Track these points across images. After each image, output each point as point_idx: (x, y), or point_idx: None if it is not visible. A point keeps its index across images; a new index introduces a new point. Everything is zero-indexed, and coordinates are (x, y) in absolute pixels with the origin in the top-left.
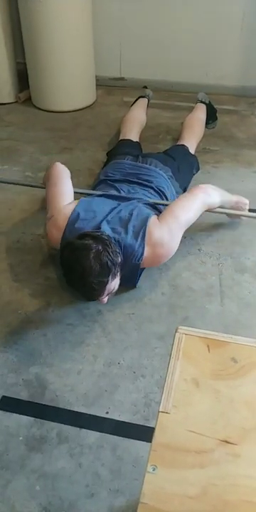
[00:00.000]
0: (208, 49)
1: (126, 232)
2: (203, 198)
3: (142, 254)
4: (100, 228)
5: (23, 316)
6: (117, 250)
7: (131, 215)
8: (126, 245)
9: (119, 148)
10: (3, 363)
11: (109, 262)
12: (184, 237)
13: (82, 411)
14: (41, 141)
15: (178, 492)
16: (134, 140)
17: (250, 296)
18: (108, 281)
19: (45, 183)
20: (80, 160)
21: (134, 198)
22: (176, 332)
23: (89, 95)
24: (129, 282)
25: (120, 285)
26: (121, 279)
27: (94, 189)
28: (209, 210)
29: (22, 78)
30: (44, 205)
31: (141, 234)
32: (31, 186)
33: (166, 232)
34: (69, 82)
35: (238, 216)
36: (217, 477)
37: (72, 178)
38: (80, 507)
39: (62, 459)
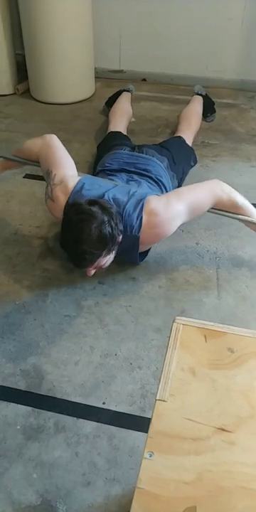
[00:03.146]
0: (207, 42)
1: (127, 204)
2: (213, 184)
3: (140, 225)
4: (104, 197)
5: (20, 307)
6: (121, 229)
7: (134, 191)
8: (126, 216)
9: (113, 140)
10: (1, 353)
11: (108, 236)
12: (181, 230)
13: (79, 401)
14: (39, 132)
15: (174, 478)
16: (124, 133)
17: (247, 290)
18: (101, 254)
19: (28, 151)
20: (78, 152)
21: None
22: (173, 322)
23: (88, 87)
24: (130, 257)
25: (122, 262)
26: (121, 253)
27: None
28: (219, 210)
29: (21, 70)
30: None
31: (140, 205)
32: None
33: (163, 202)
34: (68, 73)
35: (253, 225)
36: (212, 464)
37: None
38: (76, 495)
39: (59, 448)
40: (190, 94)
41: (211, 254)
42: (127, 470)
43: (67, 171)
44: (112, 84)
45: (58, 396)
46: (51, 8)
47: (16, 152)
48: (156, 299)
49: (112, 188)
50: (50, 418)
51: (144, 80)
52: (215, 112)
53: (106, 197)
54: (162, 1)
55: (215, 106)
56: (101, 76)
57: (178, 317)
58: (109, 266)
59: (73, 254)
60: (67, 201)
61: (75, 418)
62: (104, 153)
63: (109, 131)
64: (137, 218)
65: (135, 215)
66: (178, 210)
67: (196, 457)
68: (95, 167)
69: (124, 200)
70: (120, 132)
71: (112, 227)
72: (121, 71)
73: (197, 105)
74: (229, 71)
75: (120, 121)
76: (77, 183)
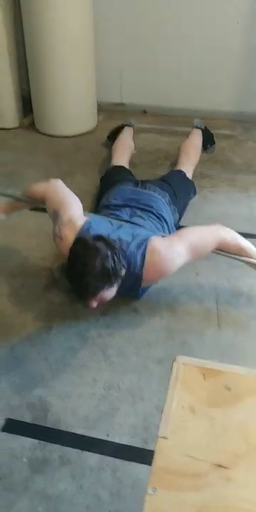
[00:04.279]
0: (205, 75)
1: (131, 243)
2: (215, 228)
3: (143, 263)
4: (108, 236)
5: (25, 340)
6: (124, 264)
7: (138, 232)
8: (130, 255)
9: (116, 175)
10: (8, 386)
11: (111, 270)
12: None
13: (83, 433)
14: (44, 165)
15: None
16: (126, 167)
17: (246, 320)
18: (103, 287)
19: (34, 193)
20: (81, 184)
21: (139, 225)
22: (173, 361)
23: (90, 120)
24: (131, 294)
25: (122, 297)
26: (123, 289)
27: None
28: (223, 251)
29: (26, 104)
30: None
31: (143, 245)
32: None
33: (166, 243)
34: (71, 106)
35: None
36: (211, 499)
37: None
38: None
39: (64, 481)
40: (189, 125)
41: (211, 284)
42: (130, 503)
43: (75, 212)
44: (114, 116)
45: (63, 428)
46: (55, 45)
47: (24, 193)
48: (157, 331)
49: (117, 229)
50: (55, 450)
51: (145, 111)
52: (214, 143)
53: (111, 237)
54: (162, 37)
55: (214, 137)
56: (103, 109)
57: (178, 356)
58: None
59: (77, 286)
60: (74, 241)
61: (79, 450)
62: (108, 187)
63: (112, 165)
64: (140, 257)
65: (139, 253)
66: (179, 251)
67: (196, 493)
68: (99, 200)
69: (128, 240)
70: (123, 167)
71: (115, 261)
72: (122, 104)
73: (196, 139)
74: (226, 103)
75: (122, 155)
76: (85, 223)
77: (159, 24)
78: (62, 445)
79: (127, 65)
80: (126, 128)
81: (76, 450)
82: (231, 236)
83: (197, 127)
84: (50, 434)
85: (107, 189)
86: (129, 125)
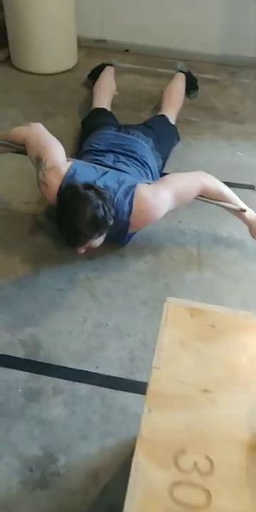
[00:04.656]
0: (190, 15)
1: (118, 191)
2: (198, 174)
3: (130, 211)
4: (95, 183)
5: (14, 281)
6: (113, 213)
7: (123, 178)
8: (117, 203)
9: (98, 118)
10: None
11: (101, 220)
12: None
13: (74, 367)
14: (22, 104)
15: (168, 428)
16: (108, 109)
17: (224, 264)
18: (93, 236)
19: (14, 136)
20: (63, 127)
21: (122, 171)
22: (164, 302)
23: (70, 57)
24: (118, 240)
25: (109, 243)
26: (110, 236)
27: (79, 159)
28: (205, 198)
29: (1, 36)
30: (25, 169)
31: (130, 192)
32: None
33: (151, 190)
34: (50, 42)
35: (236, 212)
36: (198, 416)
37: None
38: (74, 447)
39: (57, 408)
40: (172, 67)
41: (193, 231)
42: (118, 425)
43: (58, 156)
44: (95, 54)
45: (55, 363)
46: None
47: (2, 136)
48: (142, 274)
49: (103, 175)
50: (48, 382)
51: (127, 50)
52: (197, 88)
53: (97, 183)
54: None
55: (197, 82)
56: (83, 45)
57: (168, 298)
58: None
59: (67, 233)
60: (61, 185)
61: (70, 381)
62: (90, 131)
63: (93, 107)
64: (128, 204)
65: (126, 201)
66: (165, 198)
67: (185, 412)
68: (81, 144)
69: (115, 187)
70: (105, 109)
71: (105, 211)
72: (103, 40)
73: (179, 83)
74: (212, 45)
75: (104, 97)
76: (70, 169)
77: None
78: (55, 377)
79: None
80: (107, 67)
81: (68, 381)
82: (213, 183)
83: (180, 71)
84: (43, 368)
85: (89, 133)
86: (111, 64)
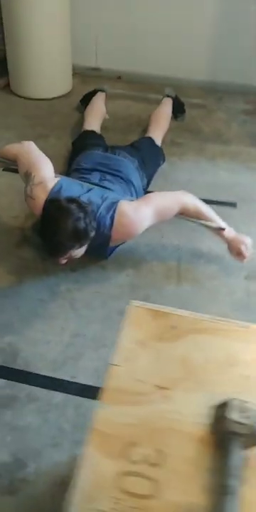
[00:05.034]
0: (180, 44)
1: (101, 206)
2: (179, 193)
3: (112, 225)
4: (79, 198)
5: None
6: (94, 226)
7: (107, 195)
8: (100, 217)
9: (87, 139)
10: None
11: (82, 232)
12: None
13: (50, 375)
14: (18, 127)
15: (120, 421)
16: (98, 132)
17: (203, 278)
18: (74, 247)
19: (7, 153)
20: (54, 147)
21: (108, 189)
22: (128, 305)
23: (65, 84)
24: (100, 253)
25: (92, 256)
26: (92, 249)
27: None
28: (185, 216)
29: (2, 65)
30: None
31: (113, 208)
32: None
33: (133, 206)
34: (46, 70)
35: (215, 230)
36: (151, 411)
37: None
38: (45, 454)
39: (31, 415)
40: (162, 93)
41: (174, 246)
42: None
43: (46, 173)
44: (89, 81)
45: (31, 371)
46: (31, 6)
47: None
48: (122, 286)
49: (87, 192)
50: (23, 389)
51: (119, 77)
52: (184, 112)
53: (81, 198)
54: (138, 3)
55: (184, 107)
56: (78, 73)
57: (132, 301)
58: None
59: (49, 244)
60: (47, 200)
61: (46, 390)
62: (79, 151)
63: (84, 129)
64: (109, 218)
65: (108, 215)
66: (146, 214)
67: (139, 407)
68: (70, 163)
69: (98, 202)
70: (94, 131)
71: (86, 223)
72: (97, 69)
73: (166, 107)
74: (200, 72)
75: (94, 120)
76: (56, 185)
77: None
78: (31, 385)
79: (103, 31)
80: (99, 93)
81: (43, 390)
82: (192, 201)
83: (168, 96)
84: (19, 376)
85: (78, 153)
86: (102, 90)
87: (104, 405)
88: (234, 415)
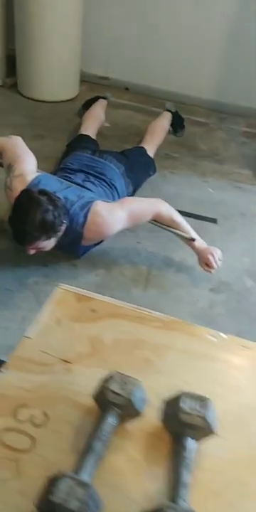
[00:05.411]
0: (188, 62)
1: (76, 203)
2: (155, 201)
3: (84, 223)
4: (54, 193)
5: None
6: (64, 221)
7: (83, 194)
8: (73, 213)
9: (79, 142)
10: None
11: (49, 224)
12: (128, 230)
13: (4, 359)
14: (17, 126)
15: (19, 386)
16: (93, 137)
17: (170, 285)
18: (40, 238)
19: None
20: (49, 148)
21: (89, 190)
22: (56, 287)
23: (71, 89)
24: (72, 250)
25: (65, 253)
26: (64, 245)
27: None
28: (159, 223)
29: (11, 65)
30: None
31: (87, 206)
32: None
33: (108, 207)
34: (54, 73)
35: (186, 240)
36: (50, 381)
37: (38, 163)
38: None
39: None
40: (164, 107)
41: (148, 253)
42: None
43: (27, 166)
44: (97, 89)
45: None
46: (43, 9)
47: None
48: (90, 285)
49: (65, 189)
50: None
51: (127, 89)
52: (184, 127)
53: (57, 194)
54: (149, 18)
55: (184, 122)
56: (87, 80)
57: (61, 284)
58: (55, 252)
59: (17, 232)
60: None
61: None
62: (70, 152)
63: (79, 132)
64: (83, 217)
65: (82, 213)
66: (119, 216)
67: (40, 375)
68: (59, 163)
69: (73, 200)
70: (88, 136)
71: (54, 216)
72: (106, 78)
73: (164, 120)
74: (205, 91)
75: (91, 125)
76: (35, 179)
77: (150, 10)
78: None
79: (115, 42)
80: (100, 100)
81: None
82: (167, 210)
83: (168, 110)
84: None
85: (68, 154)
86: (104, 98)
87: (7, 370)
88: (113, 386)
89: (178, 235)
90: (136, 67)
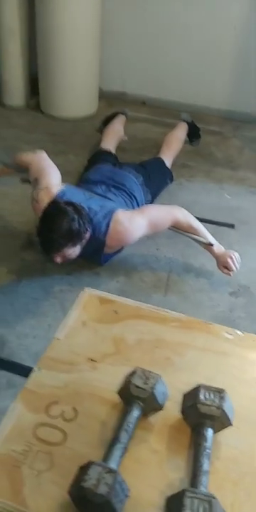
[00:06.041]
0: (202, 74)
1: (98, 213)
2: (173, 208)
3: (107, 231)
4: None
5: None
6: (88, 229)
7: (105, 204)
8: (96, 222)
9: (100, 156)
10: None
11: (75, 232)
12: (146, 236)
13: (31, 366)
14: (41, 143)
15: (50, 384)
16: (113, 151)
17: (190, 291)
18: (67, 245)
19: (21, 161)
20: (72, 163)
21: (110, 199)
22: (82, 291)
23: (91, 106)
24: (95, 258)
25: (87, 261)
26: (87, 254)
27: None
28: (177, 229)
29: (34, 85)
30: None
31: (109, 215)
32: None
33: (128, 215)
34: (74, 92)
35: (204, 245)
36: (77, 378)
37: (62, 178)
38: None
39: (8, 400)
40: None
41: (167, 259)
42: None
43: (52, 179)
44: (115, 104)
45: (15, 360)
46: (63, 32)
47: (12, 160)
48: (111, 291)
49: (88, 200)
50: (4, 376)
51: (144, 103)
52: (200, 137)
53: (81, 205)
54: (164, 35)
55: (200, 132)
56: (105, 96)
57: (86, 288)
58: (78, 261)
59: (44, 241)
60: None
61: (25, 378)
62: (91, 166)
63: (100, 147)
64: (105, 225)
65: (104, 222)
66: (139, 224)
67: (68, 374)
68: (82, 177)
69: (96, 210)
70: (109, 151)
71: (80, 224)
72: (123, 93)
73: (180, 131)
74: (218, 101)
75: (111, 140)
76: (60, 191)
77: (163, 25)
78: (11, 373)
79: (131, 59)
80: (119, 115)
81: (22, 378)
82: (185, 217)
83: (183, 120)
84: (3, 363)
85: (90, 168)
86: (123, 113)
87: (39, 370)
88: (136, 381)
89: (196, 240)
90: (152, 82)
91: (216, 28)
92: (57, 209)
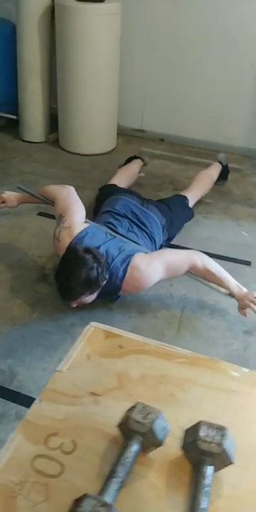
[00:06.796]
0: (220, 112)
1: (117, 257)
2: (191, 252)
3: (124, 277)
4: (99, 248)
5: (9, 320)
6: (106, 276)
7: (124, 247)
8: (113, 268)
9: (116, 188)
10: None
11: (94, 281)
12: None
13: None
14: (60, 178)
15: (50, 416)
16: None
17: (204, 328)
18: (84, 293)
19: (47, 193)
20: (88, 198)
21: (132, 241)
22: (87, 325)
23: (109, 142)
24: (108, 297)
25: (100, 297)
26: (102, 294)
27: (96, 214)
28: (193, 275)
29: (53, 121)
30: (46, 230)
31: (127, 260)
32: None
33: (146, 261)
34: (93, 129)
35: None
36: (78, 411)
37: None
38: None
39: None
40: (200, 156)
41: (181, 295)
42: None
43: (76, 218)
44: (133, 141)
45: (24, 393)
46: (83, 71)
47: (38, 191)
48: (124, 328)
49: (108, 241)
50: (13, 408)
51: (162, 140)
52: (226, 179)
53: (101, 249)
54: (180, 73)
55: (228, 175)
56: (123, 133)
57: (92, 322)
58: None
59: (62, 288)
60: (69, 246)
61: None
62: (108, 195)
63: (111, 182)
64: (122, 271)
65: (121, 268)
66: (157, 270)
67: (69, 407)
68: (97, 206)
69: (114, 254)
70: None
71: (98, 273)
72: (142, 130)
73: (213, 171)
74: (238, 139)
75: (124, 179)
76: (82, 231)
77: (182, 63)
78: (20, 405)
79: (149, 96)
80: (137, 160)
81: None
82: (202, 262)
83: (219, 161)
84: (12, 395)
85: (107, 196)
86: (143, 160)
87: (40, 401)
88: (135, 415)
89: (215, 289)
90: (170, 119)
91: (234, 66)
92: (75, 257)
